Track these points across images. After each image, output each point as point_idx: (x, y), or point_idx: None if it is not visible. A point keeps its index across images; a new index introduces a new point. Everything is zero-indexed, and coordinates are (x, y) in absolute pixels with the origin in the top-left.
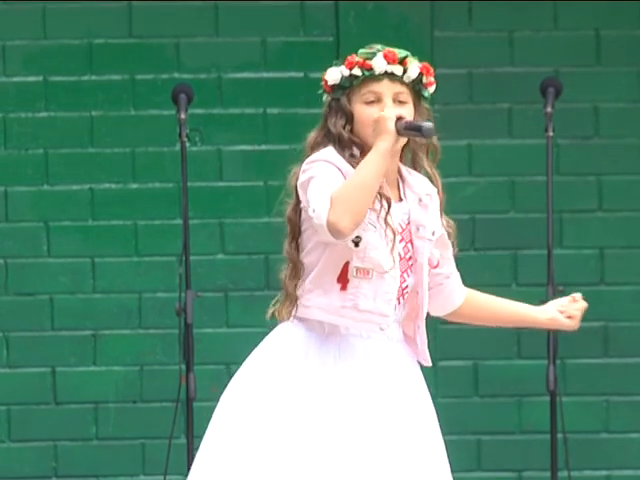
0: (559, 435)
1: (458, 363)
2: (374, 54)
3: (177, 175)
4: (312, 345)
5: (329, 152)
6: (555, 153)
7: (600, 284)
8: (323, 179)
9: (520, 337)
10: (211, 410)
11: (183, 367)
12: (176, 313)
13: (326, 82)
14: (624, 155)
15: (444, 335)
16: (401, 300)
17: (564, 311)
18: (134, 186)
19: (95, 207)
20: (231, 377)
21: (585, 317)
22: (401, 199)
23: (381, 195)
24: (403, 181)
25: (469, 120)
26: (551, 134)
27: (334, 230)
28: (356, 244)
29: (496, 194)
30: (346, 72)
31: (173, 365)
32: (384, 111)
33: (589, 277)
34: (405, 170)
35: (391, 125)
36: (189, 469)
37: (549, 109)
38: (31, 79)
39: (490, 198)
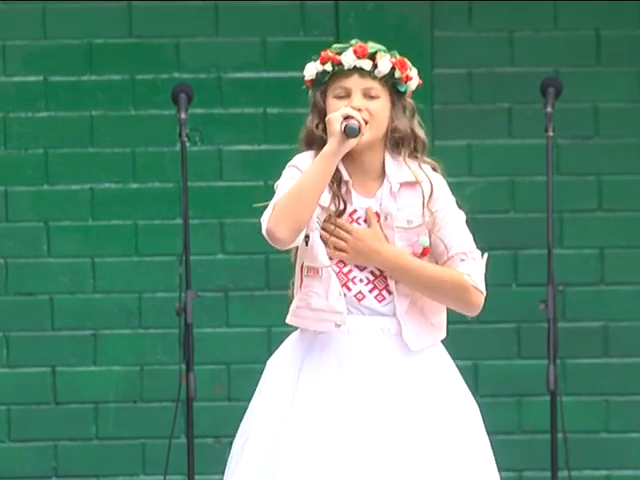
0: (559, 435)
1: (458, 363)
2: (345, 49)
3: (177, 175)
4: (302, 350)
5: (303, 156)
6: (555, 153)
7: (600, 284)
8: (282, 188)
9: (520, 337)
10: (211, 410)
11: (183, 367)
12: (176, 313)
13: (305, 78)
14: (624, 155)
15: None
16: (392, 292)
17: None
18: (134, 186)
19: (95, 207)
20: (231, 377)
21: (585, 317)
22: (377, 191)
23: (338, 196)
24: (385, 173)
25: (469, 120)
26: (551, 134)
27: (272, 238)
28: (306, 243)
29: (496, 194)
30: (319, 67)
31: (173, 365)
32: (339, 109)
33: (589, 277)
34: (391, 160)
35: (337, 126)
36: (189, 469)
37: (549, 109)
38: (31, 79)
39: (490, 198)
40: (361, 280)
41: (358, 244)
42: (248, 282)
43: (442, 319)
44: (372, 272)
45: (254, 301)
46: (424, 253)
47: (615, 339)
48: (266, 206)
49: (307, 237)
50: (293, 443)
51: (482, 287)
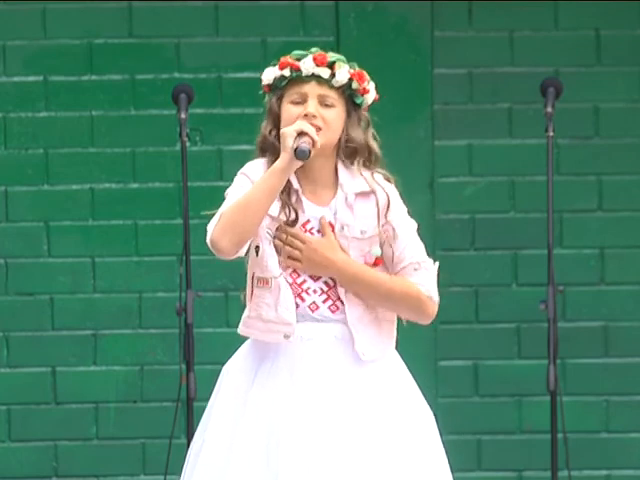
0: (559, 435)
1: (458, 363)
2: (305, 55)
3: (177, 175)
4: (256, 356)
5: (255, 164)
6: (555, 153)
7: (600, 284)
8: (231, 197)
9: (520, 337)
10: None
11: (183, 367)
12: (176, 313)
13: (262, 82)
14: (624, 155)
15: (444, 335)
16: (342, 299)
17: None
18: (134, 186)
19: (95, 207)
20: None
21: (585, 317)
22: (331, 200)
23: (288, 205)
24: (338, 181)
25: (469, 120)
26: (551, 134)
27: (215, 248)
28: (257, 253)
29: (496, 194)
30: (278, 72)
31: (173, 365)
32: (293, 119)
33: (589, 277)
34: (344, 169)
35: (290, 142)
36: None
37: (549, 109)
38: (31, 79)
39: (490, 198)
40: (315, 291)
41: (312, 254)
42: None
43: (394, 328)
44: (326, 282)
45: None
46: (376, 263)
47: (615, 339)
48: (213, 214)
49: (257, 247)
50: (245, 450)
51: (435, 296)
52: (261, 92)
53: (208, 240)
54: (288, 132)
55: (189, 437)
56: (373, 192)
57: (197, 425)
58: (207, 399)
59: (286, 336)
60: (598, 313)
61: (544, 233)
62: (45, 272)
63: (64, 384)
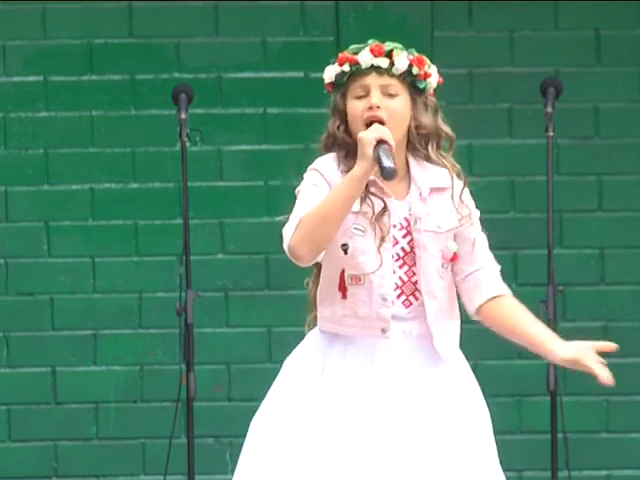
0: (559, 435)
1: None
2: (362, 48)
3: (177, 175)
4: (324, 353)
5: (325, 160)
6: (555, 153)
7: (600, 284)
8: (305, 195)
9: None
10: (211, 410)
11: (183, 367)
12: (176, 313)
13: (325, 82)
14: (624, 155)
15: None
16: (417, 297)
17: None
18: (134, 186)
19: (95, 207)
20: (231, 377)
21: (585, 317)
22: (407, 195)
23: (373, 196)
24: (410, 174)
25: (469, 120)
26: (551, 134)
27: (294, 256)
28: (345, 251)
29: (496, 194)
30: (337, 69)
31: (173, 365)
32: (369, 130)
33: (589, 277)
34: (415, 163)
35: (369, 150)
36: (189, 469)
37: (549, 109)
38: (31, 79)
39: (490, 198)
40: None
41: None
42: (248, 282)
43: (459, 324)
44: (400, 277)
45: (254, 301)
46: (453, 258)
47: (615, 339)
48: (287, 219)
49: (345, 245)
50: (315, 449)
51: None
52: (326, 92)
53: (285, 246)
54: (368, 140)
55: (189, 437)
56: (450, 187)
57: (197, 425)
58: (207, 399)
59: (383, 331)
60: (598, 313)
61: (544, 233)
62: (45, 272)
63: (64, 384)
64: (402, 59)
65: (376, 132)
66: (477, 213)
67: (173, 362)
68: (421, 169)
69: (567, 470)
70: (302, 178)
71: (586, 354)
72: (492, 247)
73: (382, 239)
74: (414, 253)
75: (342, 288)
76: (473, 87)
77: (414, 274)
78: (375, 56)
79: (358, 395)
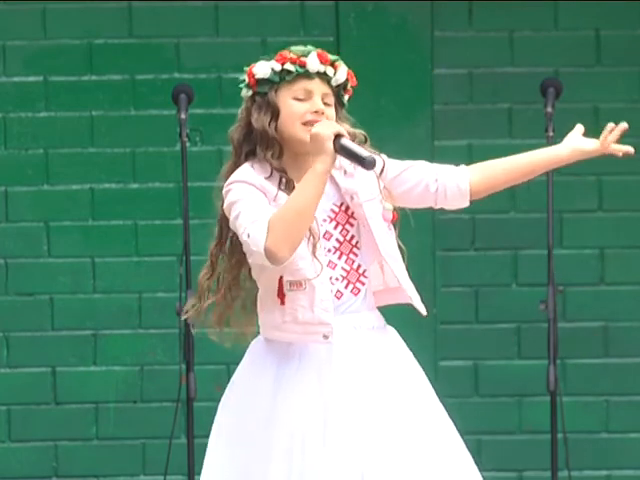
0: (559, 435)
1: (458, 363)
2: (309, 52)
3: (177, 175)
4: (277, 359)
5: (245, 171)
6: None
7: (600, 284)
8: (246, 202)
9: (520, 337)
10: (211, 410)
11: (183, 367)
12: (176, 313)
13: (252, 76)
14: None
15: (444, 335)
16: (363, 282)
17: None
18: (134, 186)
19: (95, 207)
20: (231, 377)
21: (585, 317)
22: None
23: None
24: None
25: (469, 120)
26: (551, 134)
27: (272, 257)
28: None
29: (496, 194)
30: (277, 67)
31: (173, 365)
32: (319, 125)
33: (589, 277)
34: None
35: (330, 145)
36: (189, 469)
37: (549, 109)
38: (31, 79)
39: (490, 198)
40: (337, 279)
41: (327, 125)
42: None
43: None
44: (343, 268)
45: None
46: (394, 217)
47: (615, 339)
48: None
49: None
50: (279, 457)
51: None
52: (243, 85)
53: (261, 249)
54: (326, 135)
55: (189, 437)
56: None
57: (197, 425)
58: (207, 399)
59: (325, 336)
60: (598, 313)
61: (544, 233)
62: (45, 272)
63: (64, 384)
64: (343, 71)
65: (331, 127)
66: (385, 157)
67: (173, 362)
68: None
69: (567, 470)
70: (224, 193)
71: (593, 142)
72: (492, 247)
73: (314, 245)
74: (347, 241)
75: (280, 294)
76: (473, 87)
77: (353, 261)
78: (322, 63)
79: (317, 409)
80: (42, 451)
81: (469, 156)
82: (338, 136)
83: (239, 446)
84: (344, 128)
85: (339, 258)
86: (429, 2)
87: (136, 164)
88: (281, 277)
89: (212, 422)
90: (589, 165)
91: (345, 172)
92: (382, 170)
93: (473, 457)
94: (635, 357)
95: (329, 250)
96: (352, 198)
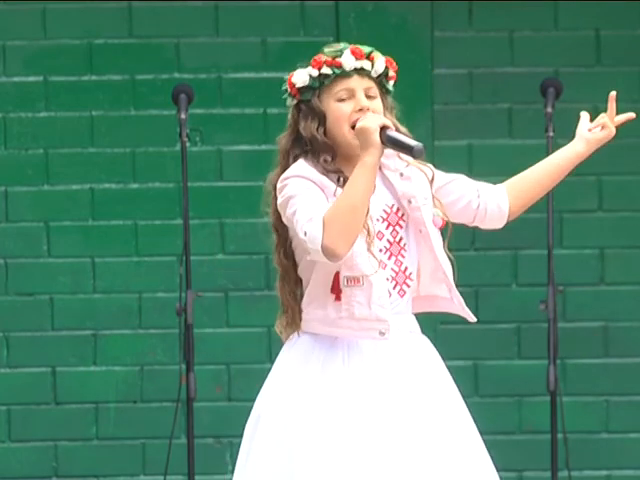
0: (559, 435)
1: (458, 363)
2: (341, 51)
3: (177, 175)
4: (320, 354)
5: (300, 166)
6: None
7: (600, 284)
8: (304, 198)
9: (520, 337)
10: (211, 410)
11: (183, 367)
12: (176, 313)
13: (293, 85)
14: (624, 155)
15: (444, 335)
16: (409, 284)
17: (597, 125)
18: (134, 186)
19: (95, 207)
20: (231, 377)
21: (585, 317)
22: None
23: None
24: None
25: (469, 120)
26: (551, 134)
27: (330, 255)
28: None
29: None
30: (315, 72)
31: (173, 365)
32: (364, 119)
33: (589, 277)
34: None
35: (377, 138)
36: (189, 469)
37: (549, 109)
38: (31, 79)
39: None
40: (387, 279)
41: (374, 118)
42: (248, 282)
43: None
44: (392, 269)
45: (254, 301)
46: (443, 224)
47: (615, 339)
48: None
49: None
50: (313, 450)
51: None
52: (286, 95)
53: (319, 247)
54: (372, 128)
55: (189, 437)
56: (420, 165)
57: (197, 425)
58: (207, 399)
59: (381, 333)
60: (598, 313)
61: (544, 233)
62: (45, 272)
63: (64, 384)
64: (381, 61)
65: (376, 119)
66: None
67: (173, 362)
68: (385, 158)
69: (567, 470)
70: (279, 190)
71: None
72: (492, 247)
73: (370, 242)
74: (396, 243)
75: (336, 290)
76: (473, 87)
77: (402, 262)
78: (357, 59)
79: (359, 402)
80: (42, 451)
81: (469, 156)
82: (384, 128)
83: (281, 440)
84: (389, 118)
85: (389, 259)
86: (429, 2)
87: (136, 164)
88: (337, 273)
89: (212, 422)
90: (589, 165)
91: (402, 175)
92: (432, 178)
93: None
94: (635, 357)
95: (380, 250)
96: (409, 202)
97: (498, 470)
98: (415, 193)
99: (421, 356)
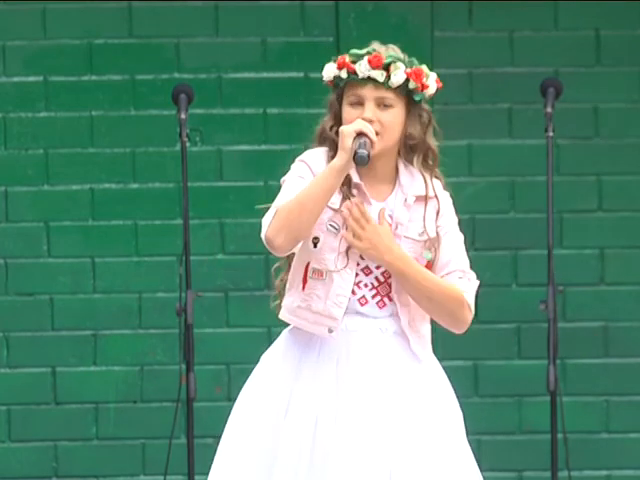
0: (559, 435)
1: (458, 363)
2: (361, 57)
3: (177, 175)
4: (299, 351)
5: (315, 152)
6: (555, 153)
7: (600, 284)
8: (289, 185)
9: (520, 337)
10: (211, 410)
11: (183, 367)
12: (176, 313)
13: (323, 78)
14: (624, 155)
15: (444, 335)
16: (393, 300)
17: None
18: (134, 186)
19: (95, 207)
20: (231, 377)
21: (585, 317)
22: (389, 197)
23: (349, 198)
24: (398, 180)
25: (469, 120)
26: (551, 134)
27: (270, 245)
28: (314, 244)
29: (496, 194)
30: (336, 72)
31: (173, 365)
32: (353, 123)
33: (589, 277)
34: (404, 170)
35: (348, 142)
36: (189, 469)
37: (549, 109)
38: (31, 79)
39: (490, 198)
40: (366, 285)
41: (374, 236)
42: (248, 282)
43: (429, 329)
44: (377, 278)
45: (254, 301)
46: (427, 266)
47: (615, 339)
48: (268, 208)
49: (316, 239)
50: (291, 445)
51: (473, 307)
52: (324, 86)
53: (263, 235)
54: (347, 132)
55: (189, 437)
56: (434, 197)
57: (197, 425)
58: (207, 399)
59: (330, 330)
60: (598, 313)
61: (544, 233)
62: (45, 272)
63: (64, 384)
64: (399, 73)
65: (357, 125)
66: (455, 219)
67: (173, 362)
68: (410, 177)
69: (567, 470)
70: (290, 168)
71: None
72: (492, 247)
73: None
74: None
75: (304, 280)
76: (473, 87)
77: (390, 275)
78: (373, 68)
79: (332, 398)
80: (42, 451)
81: (469, 156)
82: (360, 134)
83: (254, 434)
84: (415, 128)
85: (377, 267)
86: (429, 2)
87: (136, 164)
88: (308, 263)
89: (212, 422)
90: (589, 165)
91: (405, 201)
92: (437, 212)
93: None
94: (635, 357)
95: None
96: (396, 227)
97: (498, 470)
98: (404, 222)
99: (399, 354)
